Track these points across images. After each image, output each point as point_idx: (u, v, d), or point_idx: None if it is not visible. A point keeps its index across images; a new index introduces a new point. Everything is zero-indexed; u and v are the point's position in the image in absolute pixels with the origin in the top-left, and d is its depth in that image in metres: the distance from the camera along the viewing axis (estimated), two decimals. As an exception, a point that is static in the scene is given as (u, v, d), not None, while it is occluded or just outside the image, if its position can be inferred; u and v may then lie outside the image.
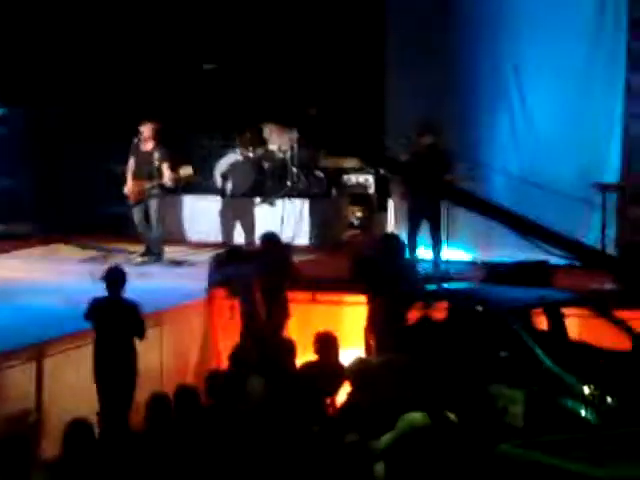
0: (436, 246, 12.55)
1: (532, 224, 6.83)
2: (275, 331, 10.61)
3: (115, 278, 9.83)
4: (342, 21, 15.86)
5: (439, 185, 11.31)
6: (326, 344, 9.73)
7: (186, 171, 13.37)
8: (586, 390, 8.81)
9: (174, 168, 13.22)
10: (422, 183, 11.62)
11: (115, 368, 9.29)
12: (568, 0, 13.08)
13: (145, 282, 12.22)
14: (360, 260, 11.48)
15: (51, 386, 9.27)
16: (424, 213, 12.54)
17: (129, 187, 13.24)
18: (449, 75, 13.35)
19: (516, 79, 13.21)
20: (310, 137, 15.30)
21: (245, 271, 11.24)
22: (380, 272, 10.67)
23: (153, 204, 13.17)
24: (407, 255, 12.22)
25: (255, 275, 11.01)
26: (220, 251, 12.84)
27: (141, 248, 13.36)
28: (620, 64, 12.85)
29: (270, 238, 11.51)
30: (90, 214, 15.41)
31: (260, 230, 14.50)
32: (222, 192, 15.05)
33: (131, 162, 13.26)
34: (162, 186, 13.17)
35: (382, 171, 15.39)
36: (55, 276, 12.44)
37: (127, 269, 12.48)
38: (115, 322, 9.49)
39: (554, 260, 11.79)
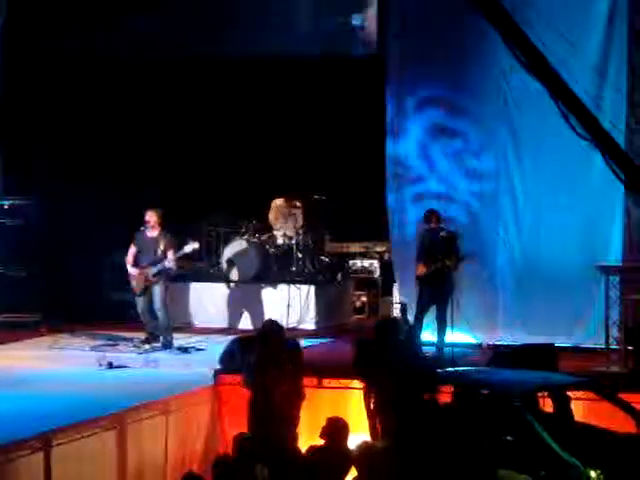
0: (441, 330, 12.60)
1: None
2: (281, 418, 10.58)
3: None
4: (347, 108, 16.16)
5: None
6: (337, 429, 9.69)
7: (191, 246, 13.32)
8: (592, 474, 8.78)
9: (179, 247, 13.18)
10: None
11: None
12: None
13: (152, 370, 12.30)
14: (363, 344, 11.51)
15: (59, 476, 9.25)
16: (433, 297, 12.64)
17: (133, 275, 13.16)
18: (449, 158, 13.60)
19: (517, 157, 13.39)
20: (315, 222, 15.52)
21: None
22: (383, 356, 10.70)
23: (158, 291, 13.08)
24: (412, 339, 12.31)
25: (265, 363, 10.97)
26: (234, 337, 12.86)
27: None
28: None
29: (269, 325, 11.49)
30: (97, 302, 15.60)
31: (267, 315, 14.72)
32: (228, 278, 15.18)
33: (133, 249, 13.15)
34: (167, 271, 13.18)
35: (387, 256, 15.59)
36: (63, 365, 12.49)
37: (133, 357, 12.72)
38: None
39: (560, 343, 11.98)
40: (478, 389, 10.18)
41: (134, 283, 13.17)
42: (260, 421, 10.24)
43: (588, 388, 10.43)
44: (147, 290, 13.14)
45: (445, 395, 10.41)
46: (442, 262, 12.40)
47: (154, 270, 13.04)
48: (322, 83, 16.17)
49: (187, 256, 13.62)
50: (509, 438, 9.42)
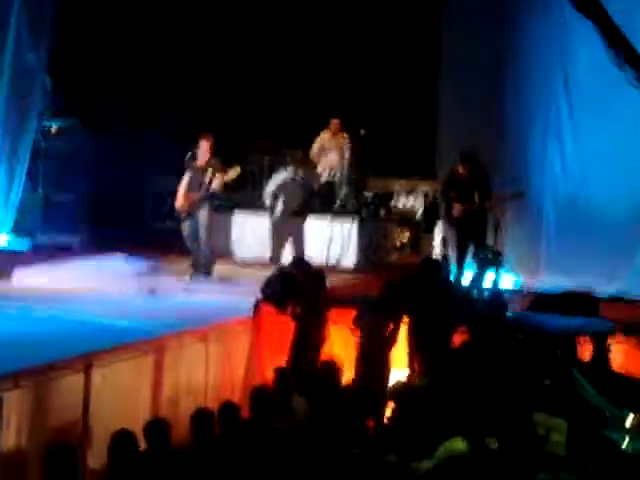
0: (481, 270, 12.56)
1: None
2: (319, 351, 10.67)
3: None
4: (396, 44, 16.01)
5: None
6: (329, 372, 9.67)
7: (234, 172, 13.20)
8: (629, 421, 8.79)
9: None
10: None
11: None
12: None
13: (192, 297, 12.36)
14: (403, 282, 11.53)
15: (98, 397, 9.36)
16: (470, 237, 12.63)
17: (180, 200, 13.12)
18: (502, 102, 13.41)
19: (569, 110, 13.25)
20: (360, 157, 15.45)
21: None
22: (422, 295, 10.73)
23: (202, 217, 13.02)
24: (453, 278, 12.32)
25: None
26: (276, 268, 12.90)
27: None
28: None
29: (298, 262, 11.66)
30: (141, 229, 15.68)
31: (308, 249, 14.74)
32: (271, 210, 15.16)
33: (187, 177, 13.09)
34: (212, 195, 13.09)
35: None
36: (104, 288, 12.58)
37: (174, 284, 12.79)
38: None
39: (603, 290, 11.96)
40: (518, 332, 10.22)
41: (178, 206, 13.13)
42: (304, 353, 10.35)
43: (627, 334, 10.43)
44: (192, 216, 13.09)
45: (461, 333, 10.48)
46: (478, 203, 12.38)
47: (200, 194, 13.00)
48: (374, 11, 16.04)
49: (231, 183, 13.55)
50: (547, 382, 9.45)
